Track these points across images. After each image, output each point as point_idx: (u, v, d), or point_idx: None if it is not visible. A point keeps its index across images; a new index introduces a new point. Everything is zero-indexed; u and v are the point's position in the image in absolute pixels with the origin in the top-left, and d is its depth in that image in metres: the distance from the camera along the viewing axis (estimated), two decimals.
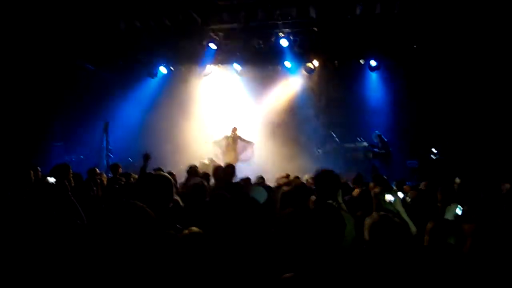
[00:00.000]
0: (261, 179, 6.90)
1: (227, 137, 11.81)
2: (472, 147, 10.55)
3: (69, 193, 3.47)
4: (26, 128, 10.87)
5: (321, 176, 3.25)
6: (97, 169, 6.90)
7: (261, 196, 3.92)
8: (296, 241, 2.86)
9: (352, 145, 11.60)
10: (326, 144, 12.50)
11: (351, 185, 5.98)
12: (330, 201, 3.21)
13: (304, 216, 3.25)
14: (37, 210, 3.02)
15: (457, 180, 5.57)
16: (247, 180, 6.29)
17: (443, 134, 11.31)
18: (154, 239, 1.86)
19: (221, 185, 5.53)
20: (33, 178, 5.29)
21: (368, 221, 2.55)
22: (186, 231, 2.70)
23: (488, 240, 2.18)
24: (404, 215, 3.41)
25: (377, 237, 2.41)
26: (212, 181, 6.18)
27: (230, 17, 10.01)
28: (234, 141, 11.70)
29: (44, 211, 2.98)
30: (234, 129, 11.78)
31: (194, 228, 2.73)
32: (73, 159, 11.77)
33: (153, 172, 5.38)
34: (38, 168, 5.82)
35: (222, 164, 10.96)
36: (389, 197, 3.38)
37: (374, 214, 2.59)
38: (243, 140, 11.87)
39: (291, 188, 4.49)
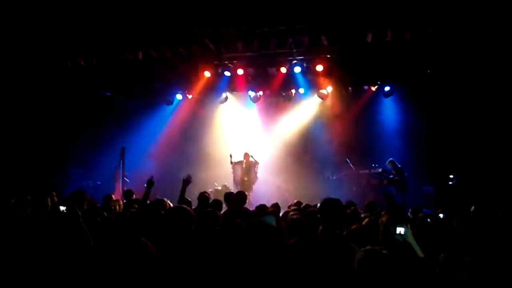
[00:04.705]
0: (275, 207, 6.75)
1: (242, 163, 11.83)
2: (490, 172, 10.30)
3: (80, 219, 3.52)
4: (45, 154, 11.17)
5: (326, 206, 3.21)
6: (113, 196, 7.01)
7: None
8: (303, 272, 2.83)
9: (366, 171, 11.44)
10: (340, 170, 12.38)
11: (363, 213, 5.86)
12: (337, 231, 3.19)
13: (311, 246, 3.23)
14: (49, 237, 3.08)
15: (473, 208, 5.42)
16: (262, 207, 6.22)
17: (460, 159, 11.10)
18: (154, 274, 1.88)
19: (232, 211, 5.51)
20: (49, 204, 5.44)
21: (356, 257, 2.50)
22: None
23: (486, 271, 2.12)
24: (416, 248, 3.31)
25: (366, 273, 2.37)
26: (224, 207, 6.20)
27: (244, 45, 10.23)
28: (248, 166, 11.67)
29: (54, 239, 3.04)
30: (246, 155, 11.79)
31: None
32: (90, 184, 11.96)
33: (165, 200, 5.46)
34: (54, 193, 5.97)
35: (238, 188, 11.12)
36: (400, 230, 3.27)
37: (361, 251, 2.53)
38: (254, 163, 11.81)
39: (300, 216, 4.47)
